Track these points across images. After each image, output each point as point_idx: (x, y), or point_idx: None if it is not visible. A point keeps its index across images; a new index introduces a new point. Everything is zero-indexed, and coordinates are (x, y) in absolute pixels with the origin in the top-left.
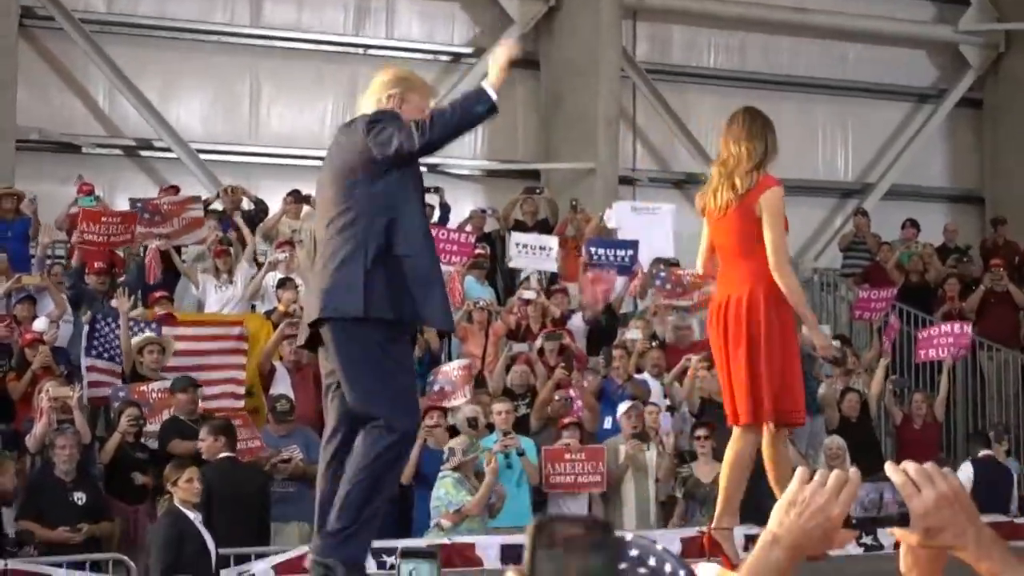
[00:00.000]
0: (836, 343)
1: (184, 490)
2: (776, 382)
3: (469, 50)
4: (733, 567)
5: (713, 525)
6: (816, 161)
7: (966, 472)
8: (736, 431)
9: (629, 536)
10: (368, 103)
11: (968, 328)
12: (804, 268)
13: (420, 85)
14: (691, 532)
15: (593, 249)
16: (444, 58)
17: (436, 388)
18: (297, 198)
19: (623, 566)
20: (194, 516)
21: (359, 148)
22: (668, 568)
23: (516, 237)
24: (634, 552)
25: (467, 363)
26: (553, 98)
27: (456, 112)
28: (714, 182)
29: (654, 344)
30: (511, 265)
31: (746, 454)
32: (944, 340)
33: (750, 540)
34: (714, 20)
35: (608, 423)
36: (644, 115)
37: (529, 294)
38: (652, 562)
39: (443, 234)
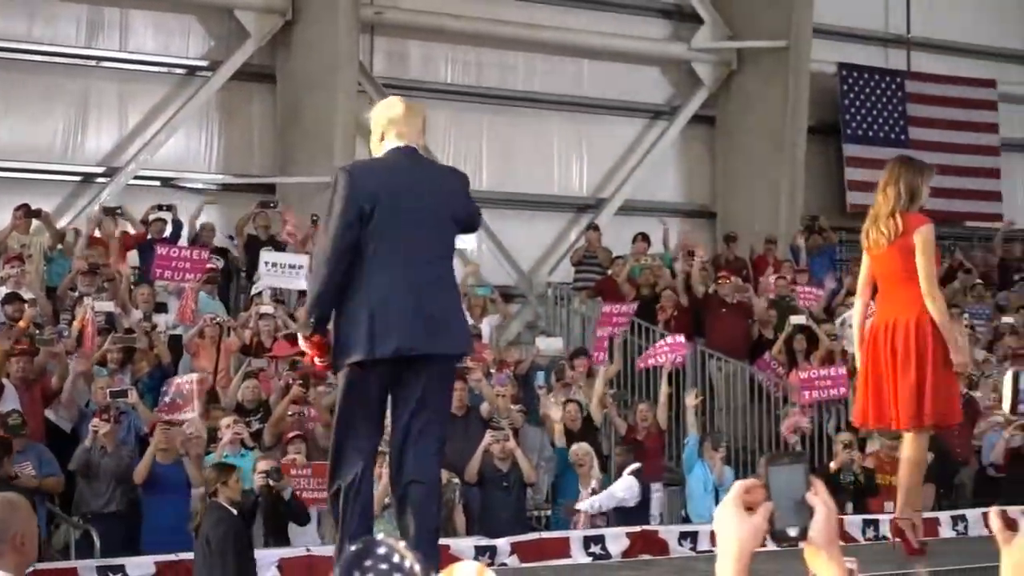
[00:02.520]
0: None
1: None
2: (941, 391)
3: (204, 63)
4: (915, 551)
5: (897, 515)
6: (551, 176)
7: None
8: (909, 435)
9: (378, 536)
10: (420, 138)
11: (681, 338)
12: (539, 282)
13: None
14: None
15: None
16: (179, 71)
17: (167, 400)
18: (27, 212)
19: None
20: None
21: (464, 205)
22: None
23: (266, 256)
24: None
25: (202, 376)
26: (290, 112)
27: None
28: (867, 223)
29: None
30: (259, 287)
31: (924, 452)
32: (662, 349)
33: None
34: (450, 36)
35: None
36: None
37: (266, 308)
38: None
39: (175, 252)
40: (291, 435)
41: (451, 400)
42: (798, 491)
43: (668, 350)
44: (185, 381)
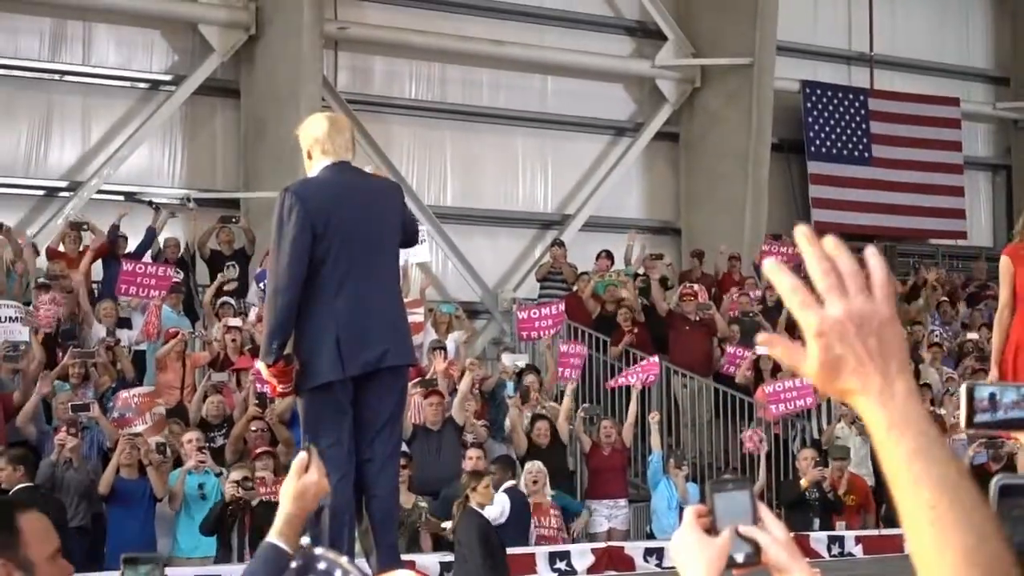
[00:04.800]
0: None
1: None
2: None
3: (168, 77)
4: None
5: None
6: (516, 192)
7: (501, 501)
8: None
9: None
10: (349, 151)
11: (655, 359)
12: (503, 298)
13: None
14: None
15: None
16: (142, 85)
17: (116, 415)
18: None
19: None
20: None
21: (404, 219)
22: None
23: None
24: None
25: (149, 390)
26: (254, 127)
27: None
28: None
29: None
30: (221, 303)
31: None
32: (635, 370)
33: None
34: (414, 52)
35: None
36: None
37: (234, 321)
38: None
39: (140, 268)
40: (258, 451)
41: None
42: (743, 516)
43: (641, 371)
44: (132, 395)
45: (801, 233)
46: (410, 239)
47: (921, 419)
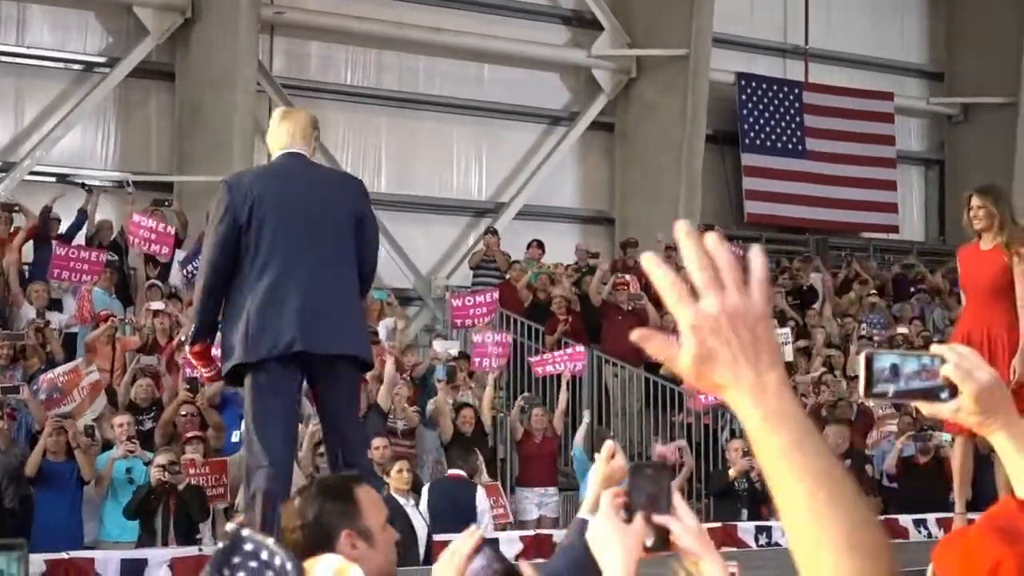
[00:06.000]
0: None
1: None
2: None
3: (102, 59)
4: None
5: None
6: (451, 180)
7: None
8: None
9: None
10: (300, 142)
11: (581, 348)
12: (436, 285)
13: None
14: None
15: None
16: (76, 67)
17: (43, 397)
18: None
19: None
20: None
21: (359, 212)
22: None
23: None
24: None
25: (72, 367)
26: (188, 110)
27: None
28: None
29: None
30: (149, 285)
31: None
32: (562, 358)
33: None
34: (351, 37)
35: (236, 437)
36: None
37: (157, 305)
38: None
39: (73, 252)
40: (188, 435)
41: (354, 401)
42: (658, 502)
43: (568, 359)
44: (57, 375)
45: (680, 229)
46: (370, 237)
47: (794, 411)
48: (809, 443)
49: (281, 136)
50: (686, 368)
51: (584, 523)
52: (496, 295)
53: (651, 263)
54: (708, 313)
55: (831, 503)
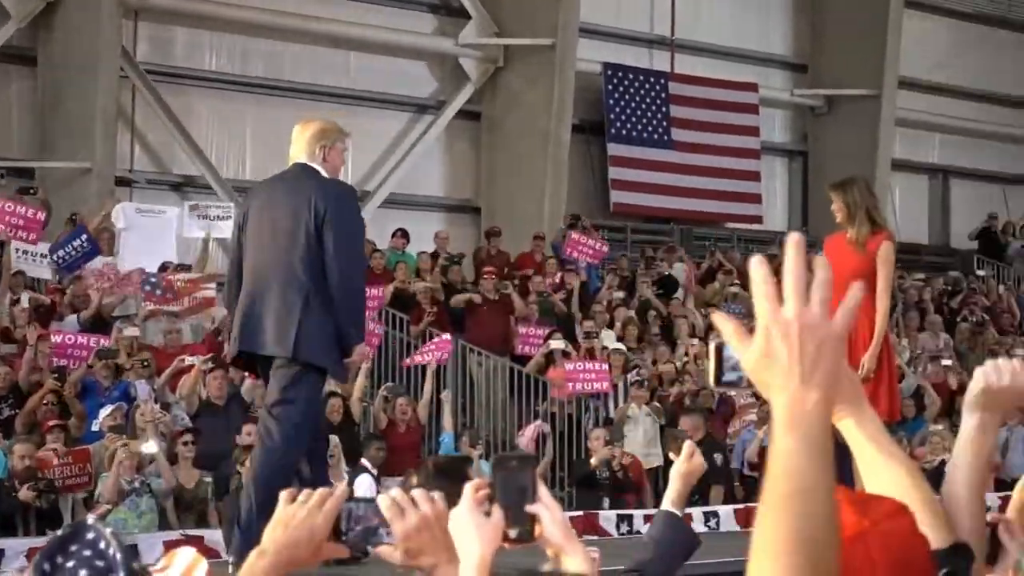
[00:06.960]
0: None
1: None
2: None
3: None
4: None
5: None
6: None
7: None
8: None
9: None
10: (306, 155)
11: (447, 337)
12: None
13: (339, 133)
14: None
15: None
16: None
17: None
18: None
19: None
20: None
21: (315, 211)
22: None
23: (17, 244)
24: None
25: None
26: (50, 95)
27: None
28: None
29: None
30: (13, 272)
31: None
32: (429, 348)
33: None
34: (217, 23)
35: (95, 426)
36: (143, 116)
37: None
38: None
39: None
40: (50, 424)
41: (288, 402)
42: (523, 494)
43: (435, 348)
44: None
45: (792, 242)
46: (335, 233)
47: (817, 429)
48: (811, 501)
49: (292, 148)
50: (749, 360)
51: (669, 515)
52: (384, 291)
53: (756, 265)
54: (784, 318)
55: (799, 570)
